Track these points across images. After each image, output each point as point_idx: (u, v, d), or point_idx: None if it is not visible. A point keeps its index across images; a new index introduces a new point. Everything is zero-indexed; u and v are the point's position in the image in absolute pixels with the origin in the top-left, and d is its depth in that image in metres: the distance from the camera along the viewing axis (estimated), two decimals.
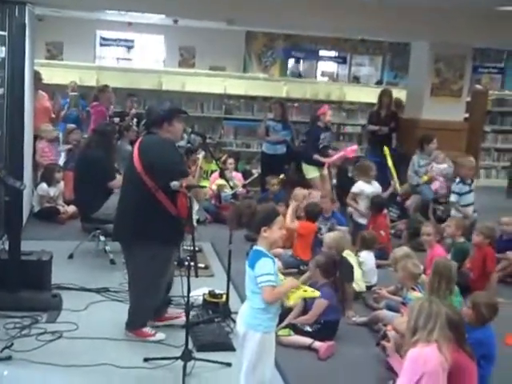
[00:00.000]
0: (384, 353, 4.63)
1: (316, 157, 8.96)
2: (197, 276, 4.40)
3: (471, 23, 9.01)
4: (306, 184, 8.76)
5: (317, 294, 3.90)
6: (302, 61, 19.08)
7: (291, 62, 18.71)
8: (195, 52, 17.19)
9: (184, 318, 5.07)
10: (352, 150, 9.11)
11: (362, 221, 7.86)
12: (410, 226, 8.04)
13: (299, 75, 17.89)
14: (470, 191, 7.97)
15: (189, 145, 8.91)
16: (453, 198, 7.96)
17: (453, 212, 7.89)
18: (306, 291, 3.74)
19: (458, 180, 8.06)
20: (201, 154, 5.61)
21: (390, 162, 8.76)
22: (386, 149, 8.92)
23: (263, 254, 3.53)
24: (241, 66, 17.48)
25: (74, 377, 4.31)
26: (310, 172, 9.11)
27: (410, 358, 3.61)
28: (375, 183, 8.13)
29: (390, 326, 4.75)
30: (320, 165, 9.06)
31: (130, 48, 17.25)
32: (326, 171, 9.19)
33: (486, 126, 13.15)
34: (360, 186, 8.01)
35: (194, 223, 6.13)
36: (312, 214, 7.08)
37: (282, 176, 8.67)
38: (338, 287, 5.21)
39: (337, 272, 5.30)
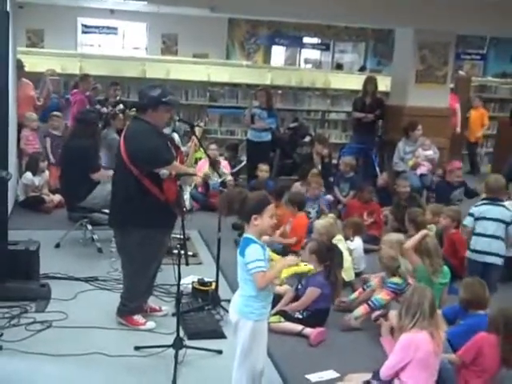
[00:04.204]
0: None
1: None
2: (187, 264, 4.41)
3: (456, 10, 9.02)
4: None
5: (310, 267, 3.91)
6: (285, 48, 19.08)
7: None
8: (178, 39, 17.12)
9: (162, 312, 5.15)
10: None
11: None
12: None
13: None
14: None
15: (174, 133, 8.92)
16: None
17: None
18: (298, 266, 3.73)
19: None
20: (194, 140, 5.57)
21: None
22: None
23: (252, 240, 3.52)
24: (224, 54, 17.45)
25: (65, 366, 4.29)
26: None
27: (402, 343, 3.67)
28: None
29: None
30: None
31: (112, 35, 17.10)
32: None
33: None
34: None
35: (187, 207, 6.09)
36: (296, 202, 7.10)
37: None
38: (330, 274, 5.22)
39: (331, 257, 5.32)
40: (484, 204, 6.08)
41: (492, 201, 6.07)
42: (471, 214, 6.05)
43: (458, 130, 11.85)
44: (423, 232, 5.42)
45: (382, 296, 5.07)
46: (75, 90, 9.87)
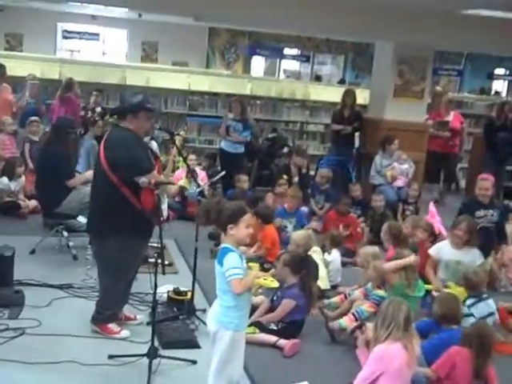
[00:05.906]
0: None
1: None
2: (164, 273, 4.40)
3: (435, 25, 9.10)
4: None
5: (275, 284, 3.91)
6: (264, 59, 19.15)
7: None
8: (158, 47, 17.12)
9: (137, 321, 5.13)
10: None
11: None
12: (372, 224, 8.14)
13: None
14: None
15: (152, 141, 8.90)
16: None
17: None
18: (265, 279, 3.76)
19: None
20: (174, 149, 5.56)
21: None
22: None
23: (230, 249, 3.57)
24: (203, 62, 17.47)
25: (38, 374, 4.25)
26: None
27: (376, 354, 3.71)
28: (473, 251, 6.17)
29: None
30: None
31: (93, 41, 17.04)
32: None
33: None
34: (440, 249, 6.31)
35: (164, 217, 6.07)
36: (261, 215, 6.98)
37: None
38: (305, 286, 5.24)
39: (305, 268, 5.33)
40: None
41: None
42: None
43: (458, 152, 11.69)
44: (410, 260, 5.31)
45: (366, 308, 5.11)
46: (68, 94, 9.71)
